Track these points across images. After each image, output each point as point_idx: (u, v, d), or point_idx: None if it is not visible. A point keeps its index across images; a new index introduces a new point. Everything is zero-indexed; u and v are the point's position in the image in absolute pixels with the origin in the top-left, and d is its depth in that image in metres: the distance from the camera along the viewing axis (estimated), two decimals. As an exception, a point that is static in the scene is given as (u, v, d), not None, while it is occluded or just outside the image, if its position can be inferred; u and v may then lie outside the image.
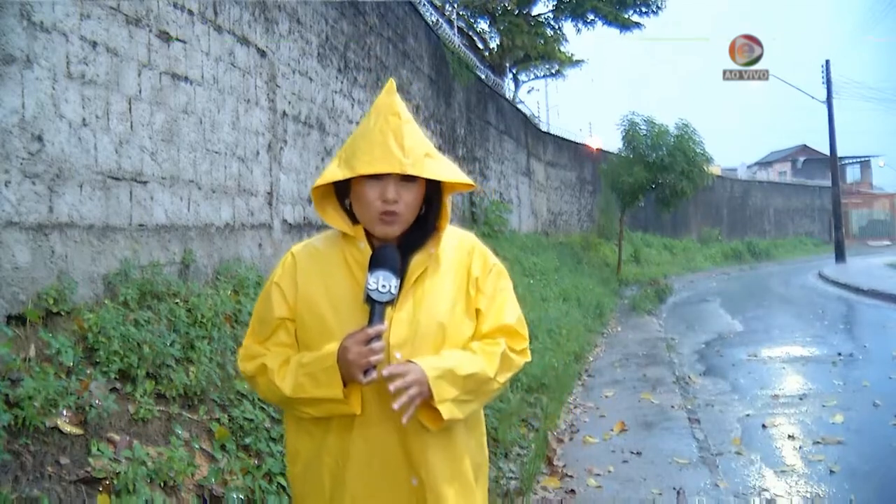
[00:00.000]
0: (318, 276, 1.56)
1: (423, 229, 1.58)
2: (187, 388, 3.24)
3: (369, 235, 1.56)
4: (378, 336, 1.43)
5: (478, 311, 1.60)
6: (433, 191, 1.58)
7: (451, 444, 1.55)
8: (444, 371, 1.47)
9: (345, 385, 1.45)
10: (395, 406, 1.41)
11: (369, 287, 1.45)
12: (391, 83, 1.55)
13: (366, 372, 1.42)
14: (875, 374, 6.80)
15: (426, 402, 1.47)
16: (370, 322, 1.44)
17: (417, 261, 1.55)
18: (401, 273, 1.50)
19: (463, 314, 1.57)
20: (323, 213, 1.58)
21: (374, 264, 1.47)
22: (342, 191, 1.58)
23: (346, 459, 1.51)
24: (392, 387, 1.41)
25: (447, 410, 1.47)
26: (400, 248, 1.53)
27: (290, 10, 5.80)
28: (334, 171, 1.51)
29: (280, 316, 1.57)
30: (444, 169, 1.53)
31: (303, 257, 1.60)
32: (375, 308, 1.45)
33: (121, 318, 3.21)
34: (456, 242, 1.63)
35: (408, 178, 1.50)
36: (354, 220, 1.57)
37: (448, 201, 1.59)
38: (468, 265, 1.61)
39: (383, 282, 1.45)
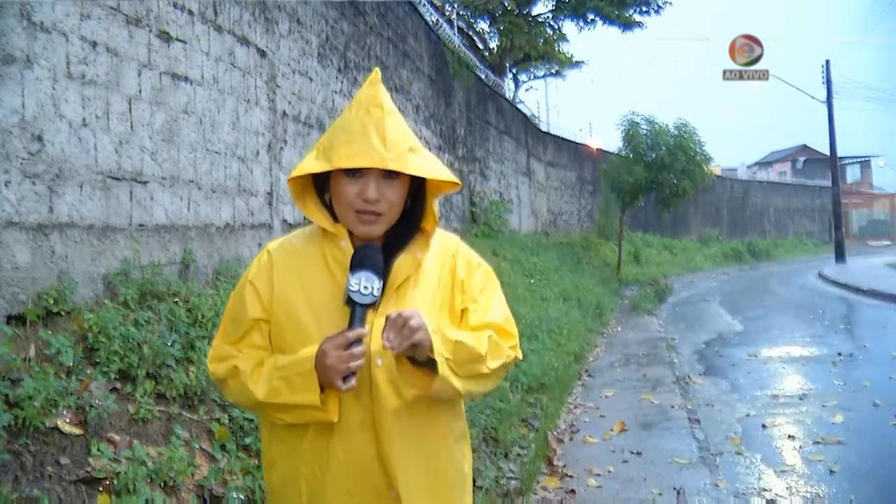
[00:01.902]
0: (296, 276, 1.47)
1: (407, 227, 1.49)
2: (187, 388, 3.24)
3: (351, 233, 1.46)
4: (359, 340, 1.34)
5: (463, 311, 1.52)
6: (417, 187, 1.48)
7: (434, 456, 1.49)
8: (437, 328, 1.38)
9: (322, 391, 1.37)
10: (385, 340, 1.31)
11: (350, 288, 1.36)
12: (376, 73, 1.46)
13: (345, 378, 1.33)
14: (875, 374, 6.80)
15: (413, 367, 1.39)
16: (350, 325, 1.35)
17: (402, 264, 1.46)
18: (383, 274, 1.41)
19: (447, 320, 1.50)
20: (303, 206, 1.49)
21: (356, 264, 1.38)
22: (321, 184, 1.48)
23: (324, 469, 1.43)
24: (391, 315, 1.32)
25: (442, 366, 1.36)
26: (383, 248, 1.45)
27: (290, 10, 5.80)
28: (311, 163, 1.42)
29: (254, 317, 1.47)
30: (429, 165, 1.43)
31: (279, 255, 1.50)
32: (356, 310, 1.36)
33: (121, 318, 3.21)
34: (439, 245, 1.54)
35: (390, 175, 1.41)
36: (335, 215, 1.47)
37: (434, 203, 1.49)
38: (452, 268, 1.53)
39: (365, 283, 1.36)
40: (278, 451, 1.51)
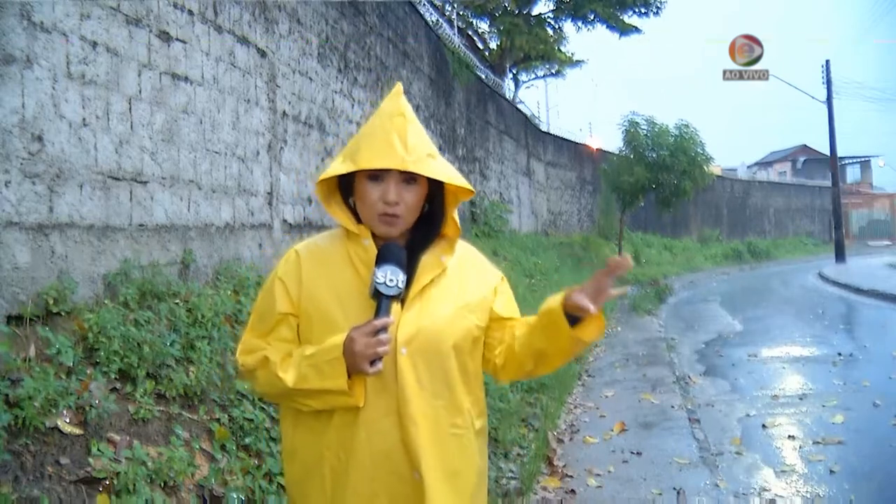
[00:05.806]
0: (323, 274, 1.58)
1: (428, 228, 1.61)
2: (187, 388, 3.24)
3: (373, 233, 1.58)
4: (385, 328, 1.45)
5: (496, 314, 1.65)
6: (435, 194, 1.61)
7: (455, 445, 1.56)
8: None
9: (349, 377, 1.46)
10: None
11: (377, 280, 1.46)
12: (398, 87, 1.59)
13: (372, 362, 1.43)
14: (875, 374, 6.79)
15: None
16: (377, 315, 1.45)
17: (426, 263, 1.58)
18: (408, 271, 1.51)
19: (473, 315, 1.61)
20: (328, 207, 1.62)
21: (381, 259, 1.49)
22: (346, 189, 1.61)
23: (348, 454, 1.51)
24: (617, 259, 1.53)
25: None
26: (406, 247, 1.56)
27: (290, 10, 5.80)
28: (337, 166, 1.54)
29: (283, 311, 1.57)
30: (446, 170, 1.56)
31: (307, 255, 1.61)
32: (382, 302, 1.46)
33: (121, 318, 3.21)
34: (462, 252, 1.67)
35: (409, 179, 1.53)
36: (359, 218, 1.60)
37: (454, 212, 1.61)
38: (483, 275, 1.67)
39: (391, 276, 1.46)
40: (302, 439, 1.58)
